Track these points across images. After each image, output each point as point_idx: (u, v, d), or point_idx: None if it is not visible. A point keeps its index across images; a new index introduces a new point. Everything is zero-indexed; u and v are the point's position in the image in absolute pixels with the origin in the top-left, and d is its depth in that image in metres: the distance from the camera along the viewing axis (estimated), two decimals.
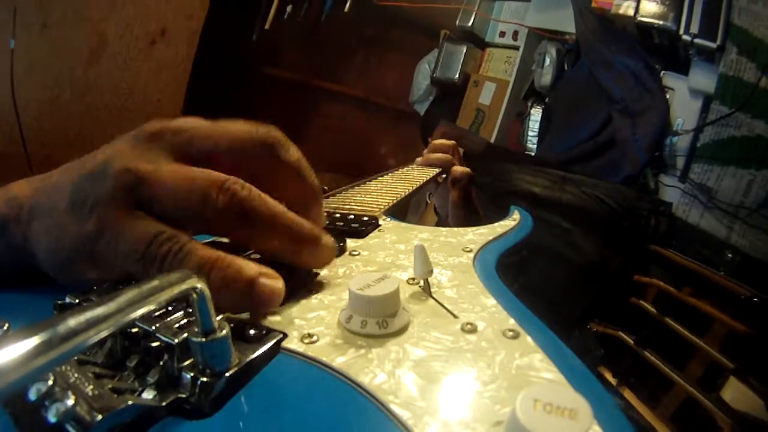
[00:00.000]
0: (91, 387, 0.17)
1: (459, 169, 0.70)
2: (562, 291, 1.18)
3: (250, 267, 0.23)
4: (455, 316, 0.23)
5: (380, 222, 0.39)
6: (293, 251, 0.25)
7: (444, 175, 0.70)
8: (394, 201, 0.44)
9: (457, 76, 1.86)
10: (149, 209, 0.24)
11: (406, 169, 0.68)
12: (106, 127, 1.34)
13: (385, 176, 0.60)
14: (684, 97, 1.31)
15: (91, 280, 0.24)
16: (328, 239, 0.27)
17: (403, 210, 0.53)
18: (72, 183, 0.25)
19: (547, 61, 1.64)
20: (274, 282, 0.23)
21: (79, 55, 1.29)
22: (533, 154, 1.68)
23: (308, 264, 0.27)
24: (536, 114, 1.71)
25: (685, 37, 1.22)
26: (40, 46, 1.20)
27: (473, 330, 0.21)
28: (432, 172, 0.65)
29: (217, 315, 0.19)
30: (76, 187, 0.24)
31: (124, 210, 0.23)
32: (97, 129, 1.31)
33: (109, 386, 0.17)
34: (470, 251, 0.32)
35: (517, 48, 1.79)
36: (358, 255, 0.32)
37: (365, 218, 0.39)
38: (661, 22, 1.26)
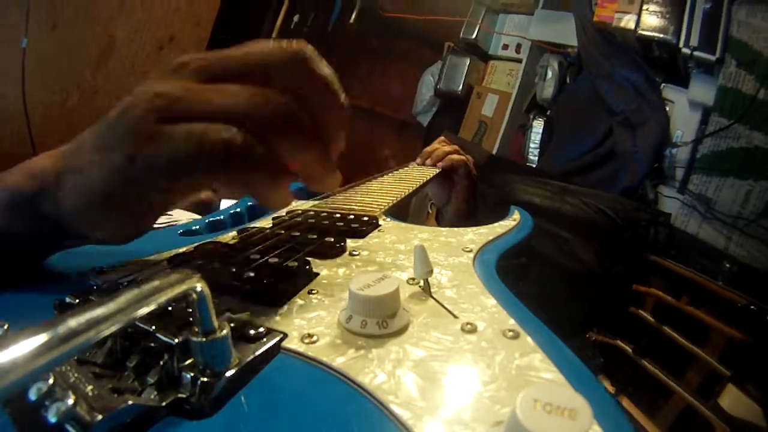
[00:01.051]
0: (91, 387, 0.17)
1: (455, 156, 0.70)
2: (561, 300, 1.18)
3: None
4: (455, 316, 0.23)
5: (380, 222, 0.39)
6: (316, 167, 0.26)
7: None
8: (394, 201, 0.44)
9: (461, 87, 1.87)
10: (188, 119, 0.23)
11: (406, 169, 0.68)
12: None
13: (385, 176, 0.60)
14: (683, 109, 1.32)
15: (119, 237, 0.25)
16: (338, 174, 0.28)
17: (403, 211, 0.53)
18: (94, 131, 0.25)
19: (549, 73, 1.65)
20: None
21: (88, 58, 1.30)
22: (535, 165, 1.68)
23: (321, 185, 0.28)
24: (538, 126, 1.72)
25: (685, 50, 1.24)
26: (49, 47, 1.21)
27: (473, 330, 0.21)
28: (432, 171, 0.65)
29: (218, 315, 0.19)
30: (99, 133, 0.24)
31: (156, 128, 0.22)
32: None
33: (109, 386, 0.17)
34: (470, 251, 0.32)
35: (519, 61, 1.80)
36: (358, 255, 0.32)
37: (365, 218, 0.39)
38: (661, 36, 1.27)
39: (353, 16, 1.86)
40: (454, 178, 0.71)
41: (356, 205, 0.43)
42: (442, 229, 0.37)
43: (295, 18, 1.85)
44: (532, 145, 1.73)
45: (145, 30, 1.38)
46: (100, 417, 0.15)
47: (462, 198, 0.71)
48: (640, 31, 1.30)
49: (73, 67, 1.28)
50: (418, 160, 0.72)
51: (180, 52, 1.48)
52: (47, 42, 1.20)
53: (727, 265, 1.14)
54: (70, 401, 0.15)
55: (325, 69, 0.26)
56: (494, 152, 1.74)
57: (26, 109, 1.15)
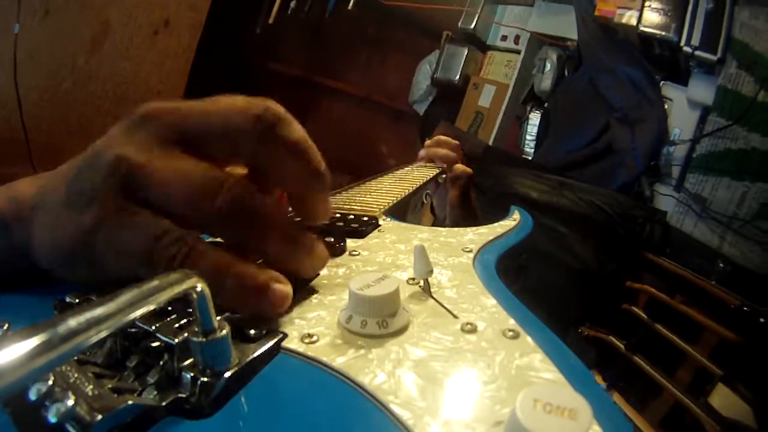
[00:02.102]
0: (91, 387, 0.16)
1: (460, 167, 0.70)
2: (557, 294, 1.19)
3: (262, 273, 0.22)
4: (455, 316, 0.23)
5: (380, 222, 0.39)
6: (288, 258, 0.24)
7: (444, 175, 0.70)
8: (394, 201, 0.44)
9: (458, 77, 1.86)
10: (145, 201, 0.22)
11: (406, 168, 0.68)
12: (106, 115, 1.33)
13: (385, 176, 0.60)
14: (682, 107, 1.32)
15: (90, 281, 0.23)
16: (321, 248, 0.26)
17: (402, 210, 0.53)
18: (68, 174, 0.24)
19: (548, 66, 1.64)
20: (285, 287, 0.23)
21: (81, 43, 1.29)
22: (530, 158, 1.69)
23: (299, 271, 0.25)
24: (535, 118, 1.72)
25: (686, 49, 1.24)
26: (42, 33, 1.20)
27: (473, 330, 0.21)
28: (432, 171, 0.65)
29: (218, 315, 0.19)
30: (72, 178, 0.23)
31: (123, 202, 0.22)
32: (98, 117, 1.31)
33: (109, 386, 0.17)
34: (470, 251, 0.32)
35: (518, 52, 1.80)
36: (358, 255, 0.32)
37: (365, 218, 0.39)
38: (663, 33, 1.27)
39: (351, 2, 1.84)
40: (451, 189, 0.70)
41: (356, 205, 0.43)
42: (442, 229, 0.37)
43: (292, 4, 1.83)
44: (528, 137, 1.73)
45: (139, 13, 1.37)
46: (100, 417, 0.15)
47: (454, 206, 0.70)
48: (641, 28, 1.30)
49: (67, 52, 1.27)
50: (422, 152, 0.71)
51: (175, 35, 1.47)
52: (40, 28, 1.19)
53: (721, 265, 1.16)
54: (70, 401, 0.15)
55: (294, 133, 0.24)
56: (490, 143, 1.74)
57: (18, 94, 1.14)
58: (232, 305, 0.22)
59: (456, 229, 0.37)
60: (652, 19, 1.29)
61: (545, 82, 1.65)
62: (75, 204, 0.23)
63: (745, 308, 0.93)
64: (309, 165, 0.25)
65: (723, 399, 0.86)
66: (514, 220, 0.42)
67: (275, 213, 0.24)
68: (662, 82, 1.36)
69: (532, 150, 1.71)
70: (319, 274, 0.28)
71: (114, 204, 0.22)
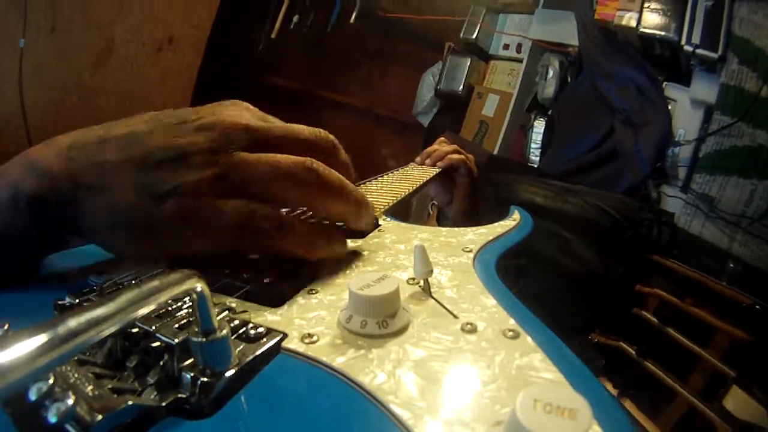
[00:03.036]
0: (91, 387, 0.17)
1: (454, 156, 0.70)
2: (563, 301, 1.18)
3: (331, 232, 0.30)
4: (455, 316, 0.23)
5: (380, 222, 0.39)
6: (355, 214, 0.30)
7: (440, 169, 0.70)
8: (395, 201, 0.44)
9: (461, 88, 1.86)
10: (239, 193, 0.26)
11: (406, 168, 0.68)
12: None
13: (386, 176, 0.60)
14: (686, 107, 1.32)
15: (142, 256, 0.27)
16: (371, 206, 0.32)
17: (404, 215, 0.52)
18: (133, 166, 0.25)
19: (550, 73, 1.65)
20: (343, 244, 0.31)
21: (86, 59, 1.31)
22: (536, 165, 1.68)
23: (361, 224, 0.32)
24: (539, 126, 1.71)
25: (687, 48, 1.23)
26: (48, 49, 1.22)
27: (473, 330, 0.21)
28: (432, 171, 0.65)
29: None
30: (142, 170, 0.25)
31: (216, 194, 0.25)
32: None
33: (109, 386, 0.17)
34: (470, 251, 0.32)
35: (520, 60, 1.80)
36: (358, 255, 0.32)
37: None
38: (663, 33, 1.27)
39: (353, 16, 1.87)
40: (455, 177, 0.71)
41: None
42: (442, 229, 0.37)
43: (295, 18, 1.86)
44: (533, 145, 1.72)
45: (143, 31, 1.39)
46: (100, 417, 0.15)
47: (463, 196, 0.71)
48: (641, 29, 1.29)
49: (72, 68, 1.29)
50: (418, 160, 0.72)
51: (179, 52, 1.49)
52: (46, 44, 1.21)
53: (731, 265, 1.14)
54: (70, 401, 0.15)
55: (345, 156, 0.32)
56: (495, 152, 1.74)
57: (24, 109, 1.16)
58: (313, 256, 0.28)
59: (456, 229, 0.37)
60: (651, 19, 1.29)
61: (548, 90, 1.65)
62: (154, 196, 0.25)
63: (757, 306, 0.92)
64: (351, 176, 0.32)
65: (737, 401, 0.84)
66: (514, 220, 0.42)
67: (344, 180, 0.30)
68: (664, 83, 1.35)
69: (538, 158, 1.70)
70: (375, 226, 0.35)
71: (207, 197, 0.25)
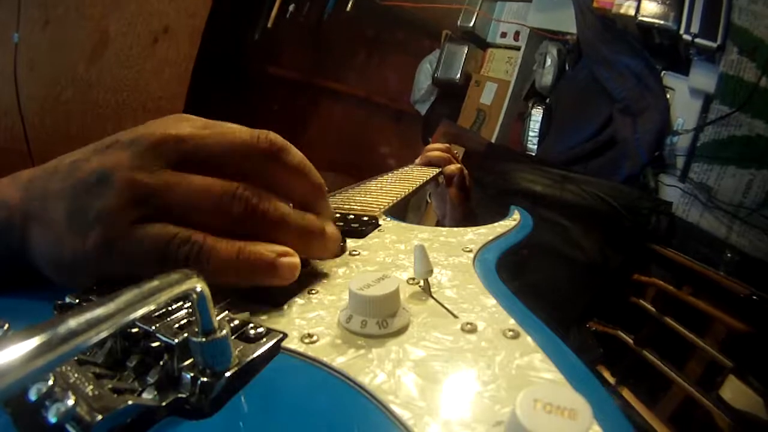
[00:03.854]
0: (91, 387, 0.17)
1: (451, 166, 0.70)
2: (562, 289, 1.18)
3: (267, 250, 0.24)
4: (455, 316, 0.23)
5: (380, 222, 0.39)
6: (303, 245, 0.26)
7: (442, 175, 0.70)
8: (394, 201, 0.44)
9: (459, 76, 1.85)
10: (159, 218, 0.24)
11: (406, 169, 0.68)
12: (107, 123, 1.34)
13: (385, 176, 0.60)
14: (684, 96, 1.31)
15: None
16: (332, 230, 0.28)
17: (403, 210, 0.53)
18: (66, 194, 0.24)
19: (548, 61, 1.64)
20: (292, 259, 0.25)
21: (81, 52, 1.30)
22: (534, 154, 1.68)
23: (316, 255, 0.28)
24: (537, 114, 1.71)
25: (686, 37, 1.22)
26: (42, 43, 1.21)
27: (473, 330, 0.21)
28: (432, 171, 0.65)
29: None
30: (72, 198, 0.24)
31: (135, 219, 0.23)
32: (98, 126, 1.32)
33: (109, 386, 0.17)
34: (470, 251, 0.32)
35: (518, 48, 1.79)
36: (358, 255, 0.32)
37: (365, 218, 0.39)
38: (661, 22, 1.26)
39: (350, 4, 1.85)
40: (448, 190, 0.71)
41: (356, 205, 0.43)
42: (442, 229, 0.37)
43: (291, 7, 1.84)
44: (531, 133, 1.72)
45: (139, 22, 1.38)
46: (100, 417, 0.15)
47: (456, 206, 0.71)
48: (640, 18, 1.29)
49: (67, 62, 1.28)
50: (419, 160, 0.72)
51: (174, 43, 1.47)
52: (40, 38, 1.20)
53: (729, 255, 1.14)
54: (70, 401, 0.15)
55: (294, 157, 0.27)
56: (493, 141, 1.73)
57: (20, 103, 1.15)
58: (247, 283, 0.24)
59: (456, 229, 0.37)
60: (650, 8, 1.28)
61: (546, 78, 1.64)
62: (77, 225, 0.24)
63: (755, 297, 0.92)
64: (309, 180, 0.28)
65: (734, 391, 0.85)
66: (514, 220, 0.42)
67: (285, 209, 0.26)
68: (663, 72, 1.35)
69: (535, 146, 1.70)
70: (342, 251, 0.31)
71: (126, 223, 0.23)
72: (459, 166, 0.71)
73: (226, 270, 0.23)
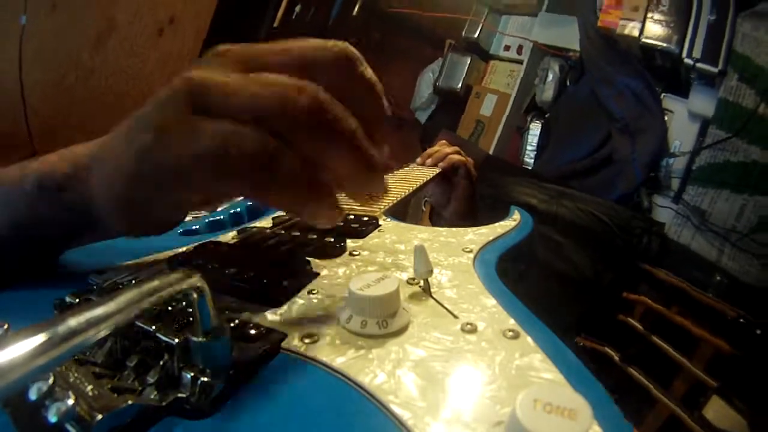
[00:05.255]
0: (91, 387, 0.17)
1: (455, 157, 0.70)
2: (553, 303, 1.19)
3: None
4: (455, 317, 0.23)
5: (380, 222, 0.39)
6: (359, 177, 0.23)
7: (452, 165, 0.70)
8: (394, 201, 0.44)
9: (460, 86, 1.87)
10: (219, 115, 0.21)
11: (406, 169, 0.68)
12: (109, 111, 1.33)
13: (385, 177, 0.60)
14: (683, 119, 1.33)
15: (147, 228, 0.24)
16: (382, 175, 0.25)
17: (403, 212, 0.52)
18: (123, 127, 0.24)
19: (550, 76, 1.65)
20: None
21: (86, 39, 1.29)
22: (530, 168, 1.69)
23: (366, 190, 0.25)
24: (535, 128, 1.72)
25: (688, 61, 1.24)
26: (48, 28, 1.20)
27: (473, 330, 0.21)
28: (432, 172, 0.65)
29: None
30: (134, 114, 0.23)
31: (189, 112, 0.21)
32: (101, 113, 1.31)
33: (109, 386, 0.17)
34: (470, 251, 0.32)
35: (520, 62, 1.80)
36: (358, 255, 0.32)
37: (365, 218, 0.39)
38: (664, 45, 1.28)
39: (356, 8, 1.85)
40: (453, 180, 0.71)
41: (356, 205, 0.43)
42: (442, 229, 0.37)
43: (297, 9, 1.84)
44: (529, 147, 1.73)
45: (145, 12, 1.37)
46: (100, 417, 0.15)
47: (461, 198, 0.71)
48: (643, 39, 1.30)
49: (72, 48, 1.27)
50: (419, 161, 0.72)
51: (180, 37, 1.47)
52: (46, 23, 1.19)
53: (718, 278, 1.15)
54: (70, 401, 0.15)
55: (370, 72, 0.24)
56: (491, 152, 1.74)
57: (23, 87, 1.14)
58: (297, 210, 0.23)
59: (456, 229, 0.37)
60: (654, 30, 1.30)
61: (547, 93, 1.66)
62: (138, 127, 0.22)
63: (742, 320, 0.93)
64: (379, 101, 0.25)
65: (717, 411, 0.86)
66: (514, 220, 0.42)
67: (357, 125, 0.22)
68: (663, 93, 1.36)
69: (533, 160, 1.71)
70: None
71: (178, 118, 0.21)
72: (462, 158, 0.71)
73: (294, 183, 0.21)
